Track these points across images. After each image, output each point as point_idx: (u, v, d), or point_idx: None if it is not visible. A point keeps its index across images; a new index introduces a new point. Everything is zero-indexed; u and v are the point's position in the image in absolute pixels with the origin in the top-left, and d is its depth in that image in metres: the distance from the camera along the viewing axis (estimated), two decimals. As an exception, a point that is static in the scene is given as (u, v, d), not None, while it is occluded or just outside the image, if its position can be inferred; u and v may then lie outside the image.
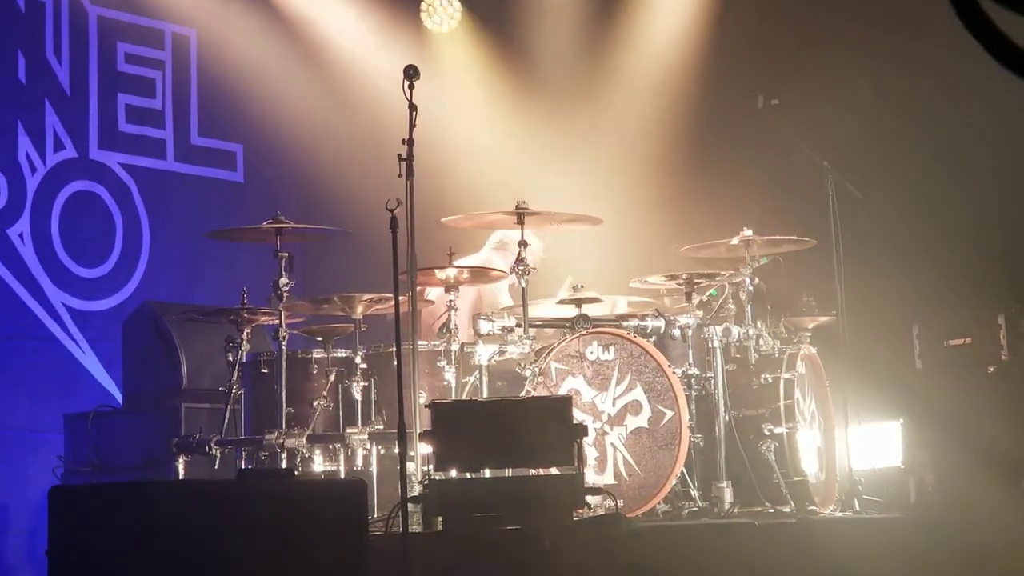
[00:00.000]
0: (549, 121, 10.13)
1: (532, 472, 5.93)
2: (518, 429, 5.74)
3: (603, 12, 10.18)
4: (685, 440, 6.66)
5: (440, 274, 6.75)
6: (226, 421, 6.81)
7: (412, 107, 5.94)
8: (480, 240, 8.42)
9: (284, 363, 6.70)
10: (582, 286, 6.97)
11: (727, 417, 6.91)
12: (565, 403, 5.88)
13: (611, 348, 6.74)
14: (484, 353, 6.66)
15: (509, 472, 5.97)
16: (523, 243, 6.82)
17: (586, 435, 5.88)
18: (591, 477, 6.40)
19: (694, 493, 6.81)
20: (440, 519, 5.62)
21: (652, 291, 7.44)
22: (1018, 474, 7.57)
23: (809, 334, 7.52)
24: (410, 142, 5.94)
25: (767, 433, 6.98)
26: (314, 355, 6.93)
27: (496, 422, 5.77)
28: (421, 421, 5.98)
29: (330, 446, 6.71)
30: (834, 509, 7.11)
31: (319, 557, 4.70)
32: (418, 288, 6.27)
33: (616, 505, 5.99)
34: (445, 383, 6.65)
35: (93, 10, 8.93)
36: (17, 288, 8.34)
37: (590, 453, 6.52)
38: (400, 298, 5.74)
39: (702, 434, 6.95)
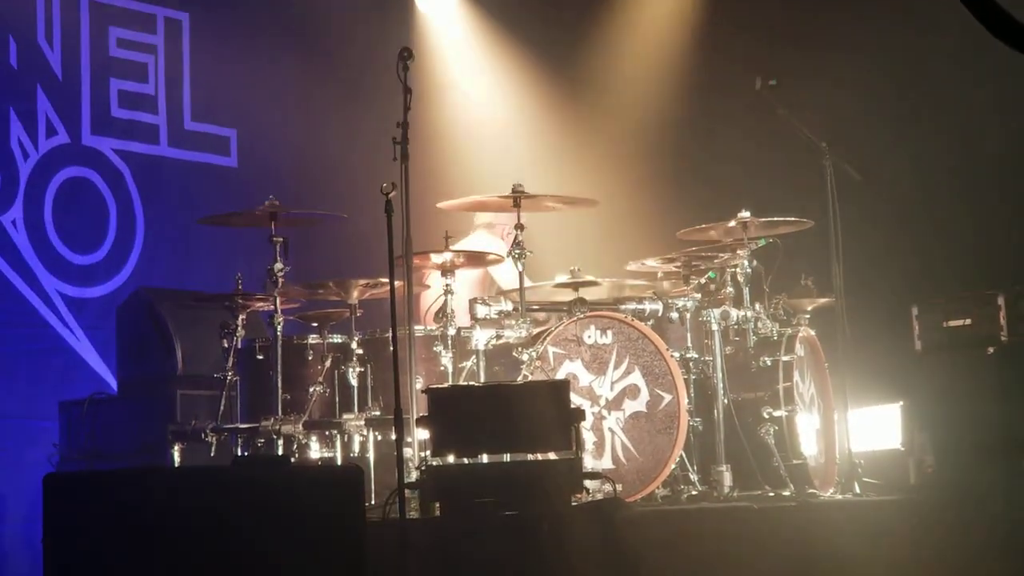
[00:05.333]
0: (546, 104, 10.11)
1: (530, 457, 5.91)
2: (515, 414, 5.72)
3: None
4: (684, 424, 6.64)
5: (436, 258, 6.72)
6: (222, 408, 6.79)
7: (407, 90, 5.90)
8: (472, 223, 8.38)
9: (280, 349, 6.68)
10: (579, 269, 6.94)
11: (726, 400, 6.89)
12: (563, 387, 5.86)
13: (609, 332, 6.72)
14: (481, 338, 6.63)
15: (507, 457, 5.94)
16: (520, 226, 6.79)
17: (584, 419, 5.87)
18: (589, 462, 6.38)
19: (693, 477, 6.80)
20: (437, 505, 5.61)
21: (650, 274, 7.41)
22: (1018, 455, 7.55)
23: (808, 316, 7.50)
24: (405, 125, 5.90)
25: (766, 416, 6.96)
26: (310, 341, 6.90)
27: (493, 407, 5.75)
28: (418, 406, 5.96)
29: (326, 432, 6.68)
30: (834, 492, 7.10)
31: (316, 544, 4.67)
32: (415, 272, 6.24)
33: (614, 490, 5.97)
34: (442, 368, 6.63)
35: (85, -5, 8.89)
36: (11, 275, 8.31)
37: (588, 438, 6.51)
38: (396, 283, 5.71)
39: (701, 418, 6.93)
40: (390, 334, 5.71)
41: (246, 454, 6.63)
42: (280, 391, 6.67)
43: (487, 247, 7.79)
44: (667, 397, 6.67)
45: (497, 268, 7.86)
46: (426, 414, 5.77)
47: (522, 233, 6.77)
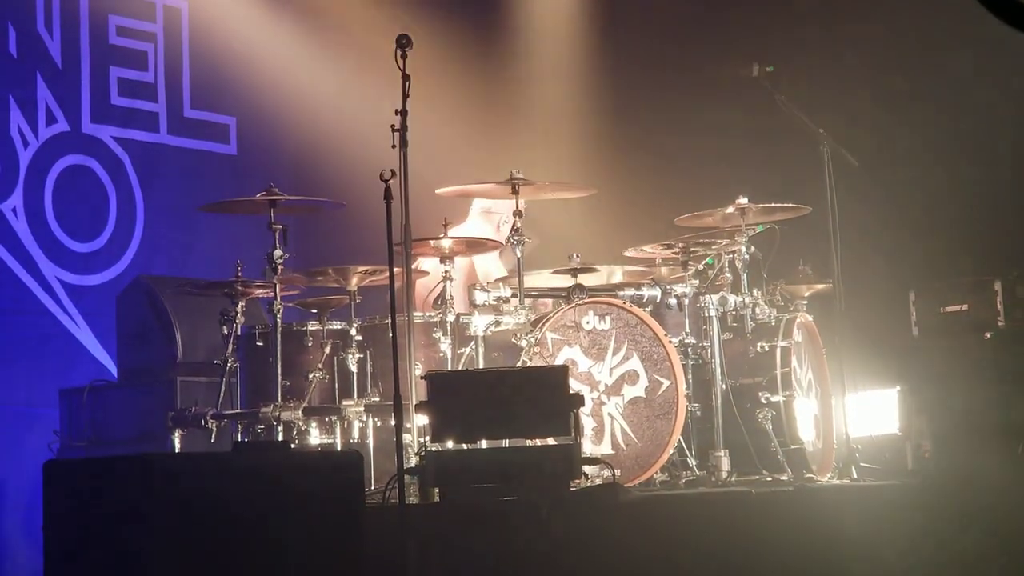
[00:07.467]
0: (543, 91, 10.10)
1: (529, 443, 5.93)
2: (514, 400, 5.73)
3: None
4: (682, 409, 6.66)
5: (435, 245, 6.73)
6: (222, 394, 6.81)
7: (405, 77, 5.91)
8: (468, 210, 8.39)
9: (279, 336, 6.69)
10: (578, 256, 6.95)
11: (724, 386, 6.91)
12: (561, 373, 5.87)
13: (607, 318, 6.73)
14: (480, 324, 6.64)
15: (506, 443, 5.96)
16: (518, 213, 6.80)
17: (583, 405, 5.87)
18: (588, 447, 6.40)
19: (691, 462, 6.81)
20: (437, 490, 5.62)
21: (648, 260, 7.41)
22: (1015, 439, 7.57)
23: (805, 302, 7.51)
24: (403, 112, 5.91)
25: (764, 401, 6.98)
26: (309, 327, 6.91)
27: (492, 393, 5.76)
28: (417, 392, 5.97)
29: (326, 418, 6.69)
30: (831, 477, 7.12)
31: (316, 530, 4.69)
32: (413, 259, 6.24)
33: (613, 475, 5.99)
34: (441, 354, 6.64)
35: (84, -17, 8.89)
36: (11, 263, 8.32)
37: (587, 423, 6.52)
38: (395, 269, 5.72)
39: (699, 403, 6.95)
40: (389, 320, 5.72)
41: (246, 440, 6.64)
42: (280, 377, 6.68)
43: (480, 235, 7.81)
44: (665, 383, 6.68)
45: (479, 259, 7.88)
46: (425, 400, 5.78)
47: (520, 220, 6.79)
